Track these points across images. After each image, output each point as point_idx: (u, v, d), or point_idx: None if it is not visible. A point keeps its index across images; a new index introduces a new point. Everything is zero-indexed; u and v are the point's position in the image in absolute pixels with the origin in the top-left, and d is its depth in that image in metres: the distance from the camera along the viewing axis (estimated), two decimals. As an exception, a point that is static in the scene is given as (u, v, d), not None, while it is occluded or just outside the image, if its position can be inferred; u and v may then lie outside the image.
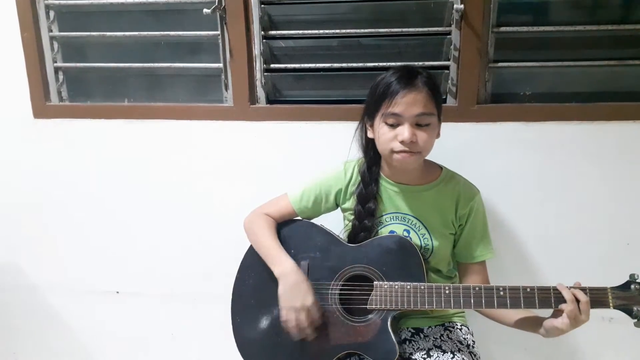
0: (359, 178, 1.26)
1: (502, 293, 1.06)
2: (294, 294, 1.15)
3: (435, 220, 1.22)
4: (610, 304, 1.03)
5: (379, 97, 1.13)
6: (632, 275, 1.04)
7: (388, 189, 1.25)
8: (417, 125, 1.12)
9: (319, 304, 1.17)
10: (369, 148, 1.24)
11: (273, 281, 1.20)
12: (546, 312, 1.08)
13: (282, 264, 1.19)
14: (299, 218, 1.31)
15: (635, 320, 1.02)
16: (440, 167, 1.28)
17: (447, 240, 1.23)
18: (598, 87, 1.44)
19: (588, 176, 1.43)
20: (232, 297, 1.30)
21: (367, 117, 1.20)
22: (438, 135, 1.19)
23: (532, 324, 1.11)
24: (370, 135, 1.20)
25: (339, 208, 1.32)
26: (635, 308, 1.02)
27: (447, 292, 1.10)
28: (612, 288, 1.03)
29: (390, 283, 1.14)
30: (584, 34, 1.41)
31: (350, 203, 1.27)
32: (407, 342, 1.22)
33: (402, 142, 1.11)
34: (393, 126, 1.12)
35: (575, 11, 1.41)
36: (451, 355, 1.17)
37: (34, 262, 1.77)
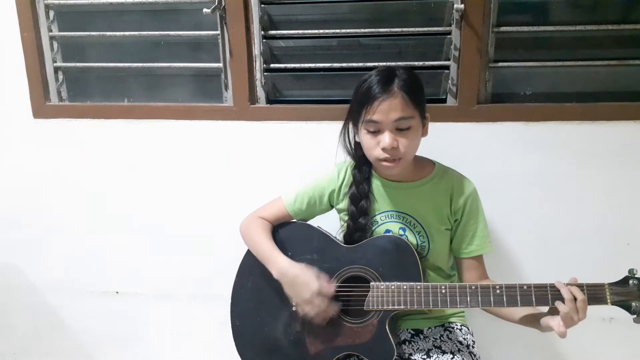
0: (352, 178, 1.26)
1: (498, 291, 1.06)
2: (298, 287, 1.15)
3: (430, 216, 1.22)
4: (608, 300, 1.02)
5: (359, 103, 1.13)
6: (630, 270, 1.03)
7: (381, 187, 1.25)
8: (398, 129, 1.11)
9: (326, 278, 1.16)
10: (358, 149, 1.24)
11: (271, 284, 1.20)
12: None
13: (278, 264, 1.19)
14: (294, 220, 1.31)
15: (635, 316, 1.01)
16: (433, 163, 1.28)
17: (443, 236, 1.23)
18: (598, 87, 1.44)
19: (588, 176, 1.43)
20: (231, 300, 1.30)
21: (352, 122, 1.20)
22: (425, 134, 1.19)
23: (533, 320, 1.11)
24: (357, 139, 1.21)
25: (334, 209, 1.32)
26: (633, 304, 1.01)
27: (443, 291, 1.09)
28: (610, 284, 1.03)
29: (387, 283, 1.14)
30: (584, 34, 1.41)
31: (344, 204, 1.27)
32: (407, 343, 1.22)
33: (383, 149, 1.11)
34: (374, 133, 1.13)
35: (575, 11, 1.41)
36: (451, 356, 1.16)
37: (33, 262, 1.77)
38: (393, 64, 1.45)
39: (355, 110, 1.16)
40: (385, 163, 1.14)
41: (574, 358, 1.55)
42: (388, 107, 1.09)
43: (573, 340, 1.51)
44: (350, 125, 1.22)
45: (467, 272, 1.26)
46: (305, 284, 1.14)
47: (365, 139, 1.15)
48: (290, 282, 1.17)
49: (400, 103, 1.10)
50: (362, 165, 1.25)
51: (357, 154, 1.25)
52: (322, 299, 1.14)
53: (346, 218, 1.26)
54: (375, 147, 1.13)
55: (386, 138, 1.10)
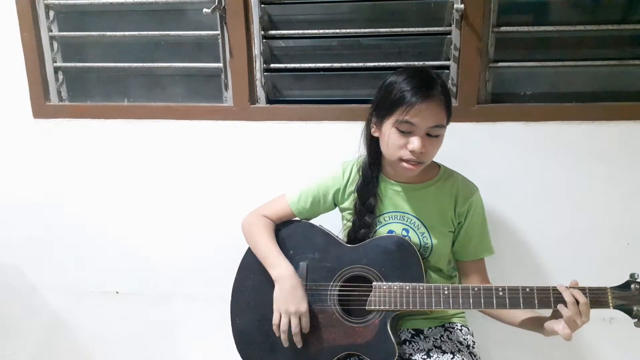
0: (357, 177, 1.26)
1: (501, 293, 1.06)
2: (290, 298, 1.15)
3: (434, 218, 1.22)
4: (610, 304, 1.02)
5: (394, 102, 1.11)
6: (632, 275, 1.03)
7: (387, 187, 1.25)
8: (428, 135, 1.12)
9: (310, 313, 1.17)
10: (372, 146, 1.24)
11: (271, 282, 1.20)
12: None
13: (279, 267, 1.19)
14: (297, 219, 1.31)
15: (636, 320, 1.02)
16: (438, 165, 1.28)
17: (446, 238, 1.23)
18: (598, 87, 1.44)
19: (588, 176, 1.43)
20: (232, 298, 1.30)
21: (376, 116, 1.18)
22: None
23: (535, 324, 1.11)
24: (375, 134, 1.20)
25: (337, 208, 1.32)
26: (635, 308, 1.01)
27: (446, 292, 1.10)
28: (612, 288, 1.03)
29: (389, 284, 1.14)
30: (584, 34, 1.41)
31: (349, 202, 1.27)
32: (407, 343, 1.22)
33: (411, 152, 1.11)
34: (404, 133, 1.12)
35: (575, 11, 1.41)
36: (451, 356, 1.17)
37: (34, 262, 1.77)
38: (394, 64, 1.45)
39: (385, 108, 1.14)
40: (406, 165, 1.13)
41: (574, 358, 1.55)
42: (430, 112, 1.09)
43: (573, 340, 1.51)
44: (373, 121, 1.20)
45: (469, 276, 1.26)
46: (297, 299, 1.15)
47: (394, 137, 1.13)
48: (286, 289, 1.17)
49: (440, 110, 1.11)
50: (373, 163, 1.25)
51: (371, 150, 1.24)
52: (297, 324, 1.15)
53: (349, 217, 1.27)
54: (403, 147, 1.12)
55: (416, 142, 1.10)
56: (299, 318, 1.15)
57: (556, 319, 1.05)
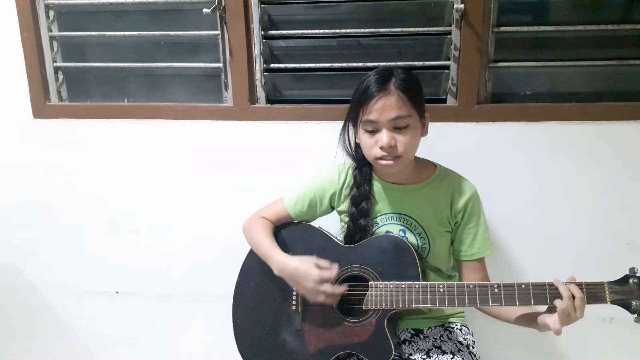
0: (353, 180, 1.26)
1: (496, 290, 1.06)
2: (299, 279, 1.15)
3: (430, 218, 1.22)
4: (608, 299, 1.01)
5: (357, 103, 1.14)
6: (631, 269, 1.02)
7: (382, 189, 1.25)
8: (396, 128, 1.12)
9: (326, 262, 1.16)
10: (358, 150, 1.24)
11: (273, 284, 1.21)
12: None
13: (276, 262, 1.19)
14: (296, 221, 1.31)
15: (635, 315, 1.00)
16: (434, 165, 1.28)
17: (444, 238, 1.23)
18: (598, 87, 1.44)
19: (588, 176, 1.43)
20: (234, 299, 1.31)
21: (352, 122, 1.21)
22: (425, 133, 1.19)
23: (530, 319, 1.11)
24: (357, 140, 1.21)
25: (335, 211, 1.32)
26: (634, 303, 1.00)
27: (441, 290, 1.10)
28: (609, 282, 1.02)
29: (385, 283, 1.14)
30: (584, 34, 1.41)
31: (345, 205, 1.28)
32: (407, 343, 1.22)
33: (381, 148, 1.11)
34: (372, 132, 1.13)
35: (575, 11, 1.41)
36: (451, 356, 1.17)
37: (33, 262, 1.77)
38: (393, 64, 1.45)
39: (353, 110, 1.17)
40: (383, 162, 1.14)
41: (573, 358, 1.55)
42: (384, 106, 1.09)
43: (573, 340, 1.53)
44: (351, 127, 1.23)
45: (468, 275, 1.26)
46: (305, 275, 1.14)
47: (364, 138, 1.15)
48: (291, 276, 1.17)
49: (396, 102, 1.10)
50: (362, 166, 1.25)
51: (358, 155, 1.25)
52: (326, 284, 1.14)
53: (347, 219, 1.27)
54: (374, 146, 1.13)
55: (384, 137, 1.10)
56: (320, 282, 1.13)
57: (549, 313, 1.04)
